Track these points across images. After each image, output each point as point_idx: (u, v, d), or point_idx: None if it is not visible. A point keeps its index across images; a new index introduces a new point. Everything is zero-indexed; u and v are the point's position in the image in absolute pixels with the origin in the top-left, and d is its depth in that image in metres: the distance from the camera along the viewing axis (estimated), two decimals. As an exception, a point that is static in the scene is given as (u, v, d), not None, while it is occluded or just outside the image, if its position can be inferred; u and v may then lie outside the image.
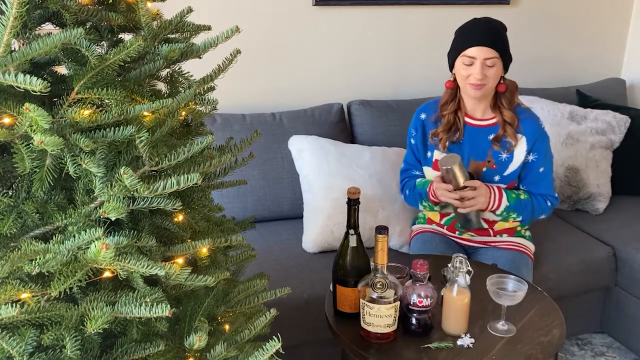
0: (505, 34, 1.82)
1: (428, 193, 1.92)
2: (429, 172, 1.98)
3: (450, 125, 1.90)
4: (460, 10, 2.80)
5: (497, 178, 1.89)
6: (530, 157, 1.87)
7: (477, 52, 1.75)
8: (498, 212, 1.84)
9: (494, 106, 1.88)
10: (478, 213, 1.85)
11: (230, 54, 1.13)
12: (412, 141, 2.01)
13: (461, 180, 1.78)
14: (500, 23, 1.83)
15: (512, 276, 1.56)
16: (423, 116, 1.98)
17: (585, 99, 2.85)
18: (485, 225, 1.96)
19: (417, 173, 2.05)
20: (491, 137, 1.88)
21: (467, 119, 1.91)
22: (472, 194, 1.77)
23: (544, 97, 2.76)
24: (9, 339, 0.87)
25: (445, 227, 2.04)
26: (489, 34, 1.76)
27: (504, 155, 1.88)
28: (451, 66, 1.86)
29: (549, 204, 1.91)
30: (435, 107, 1.95)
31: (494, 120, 1.89)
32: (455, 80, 1.86)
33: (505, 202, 1.82)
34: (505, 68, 1.82)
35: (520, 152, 1.86)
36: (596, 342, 2.46)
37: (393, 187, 2.27)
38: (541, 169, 1.88)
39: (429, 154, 1.97)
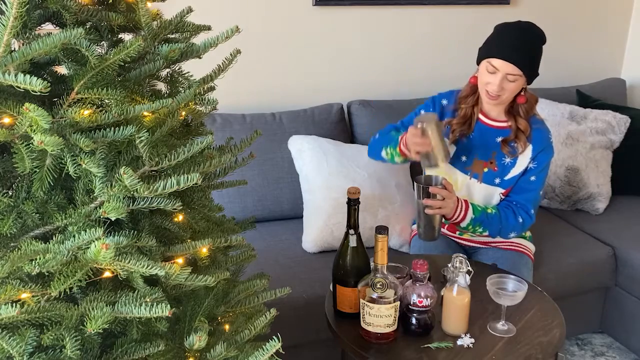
0: (540, 48, 1.78)
1: (399, 140, 1.82)
2: None
3: (466, 119, 1.90)
4: (460, 11, 2.80)
5: (497, 181, 1.89)
6: (531, 165, 1.86)
7: (502, 65, 1.73)
8: (463, 224, 1.79)
9: (509, 112, 1.87)
10: (441, 222, 1.79)
11: (230, 54, 1.13)
12: (422, 112, 1.95)
13: (434, 143, 1.69)
14: (538, 36, 1.77)
15: (512, 276, 1.56)
16: (445, 102, 1.96)
17: (585, 99, 2.85)
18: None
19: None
20: (499, 139, 1.87)
21: (480, 116, 1.90)
22: (440, 204, 1.71)
23: (544, 97, 2.75)
24: (9, 339, 0.87)
25: (445, 226, 2.04)
26: (519, 50, 1.72)
27: (508, 160, 1.87)
28: (478, 62, 1.84)
29: (520, 220, 1.84)
30: (455, 97, 1.95)
31: (506, 124, 1.87)
32: None
33: (470, 215, 1.78)
34: (530, 81, 1.79)
35: (524, 158, 1.86)
36: (596, 342, 2.46)
37: (393, 187, 2.27)
38: (532, 178, 1.86)
39: None
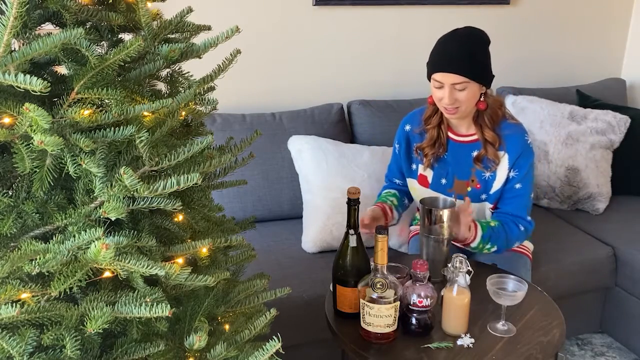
0: (483, 50, 1.72)
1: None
2: (414, 184, 1.94)
3: (434, 140, 1.84)
4: (460, 10, 2.80)
5: (483, 197, 1.83)
6: (512, 174, 1.78)
7: (444, 78, 1.68)
8: (474, 244, 1.72)
9: (476, 122, 1.80)
10: (446, 260, 1.63)
11: (230, 54, 1.13)
12: (397, 152, 1.97)
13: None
14: (478, 39, 1.72)
15: (512, 276, 1.56)
16: (407, 127, 1.92)
17: (585, 99, 2.85)
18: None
19: (397, 181, 2.02)
20: (474, 154, 1.81)
21: (450, 134, 1.85)
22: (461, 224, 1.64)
23: (544, 97, 2.76)
24: (9, 339, 0.87)
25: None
26: (455, 59, 1.67)
27: (487, 174, 1.80)
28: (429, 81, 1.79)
29: (522, 228, 1.79)
30: (420, 118, 1.89)
31: (477, 136, 1.81)
32: None
33: (479, 232, 1.71)
34: (487, 85, 1.73)
35: (503, 170, 1.79)
36: (596, 342, 2.46)
37: (393, 187, 2.27)
38: (517, 186, 1.78)
39: (413, 166, 1.93)
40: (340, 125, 2.54)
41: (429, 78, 1.76)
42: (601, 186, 2.54)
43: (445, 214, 1.62)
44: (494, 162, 1.78)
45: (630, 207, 2.58)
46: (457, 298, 1.43)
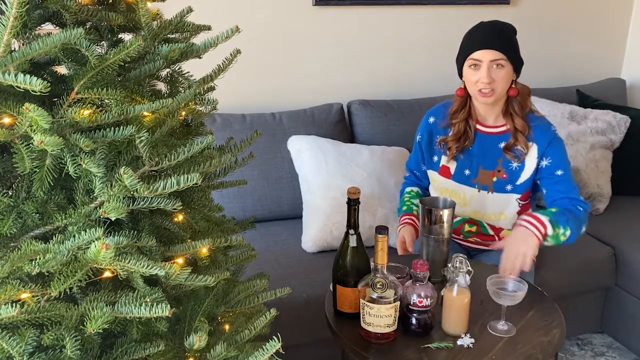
0: (514, 36, 1.78)
1: (399, 220, 1.93)
2: (434, 176, 1.94)
3: (460, 134, 1.84)
4: (460, 10, 2.80)
5: (509, 187, 1.83)
6: (544, 163, 1.79)
7: (483, 55, 1.70)
8: (550, 232, 1.66)
9: (505, 112, 1.82)
10: (445, 261, 1.65)
11: (230, 54, 1.13)
12: (418, 143, 1.97)
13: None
14: (508, 26, 1.78)
15: (512, 276, 1.56)
16: (432, 120, 1.93)
17: (585, 99, 2.85)
18: (492, 232, 1.93)
19: (417, 173, 2.03)
20: (502, 145, 1.82)
21: (478, 126, 1.85)
22: (509, 264, 1.63)
23: (544, 97, 2.76)
24: (9, 339, 0.87)
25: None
26: (493, 36, 1.72)
27: (515, 164, 1.81)
28: (460, 72, 1.81)
29: (581, 209, 1.75)
30: (445, 112, 1.90)
31: (505, 128, 1.83)
32: (465, 87, 1.80)
33: (545, 219, 1.66)
34: (517, 71, 1.77)
35: (531, 159, 1.80)
36: (596, 342, 2.46)
37: (392, 186, 2.27)
38: (558, 172, 1.78)
39: (435, 158, 1.93)
40: (340, 125, 2.54)
41: (461, 68, 1.78)
42: (601, 186, 2.54)
43: (445, 214, 1.62)
44: (522, 152, 1.80)
45: (630, 207, 2.58)
46: (457, 298, 1.43)
